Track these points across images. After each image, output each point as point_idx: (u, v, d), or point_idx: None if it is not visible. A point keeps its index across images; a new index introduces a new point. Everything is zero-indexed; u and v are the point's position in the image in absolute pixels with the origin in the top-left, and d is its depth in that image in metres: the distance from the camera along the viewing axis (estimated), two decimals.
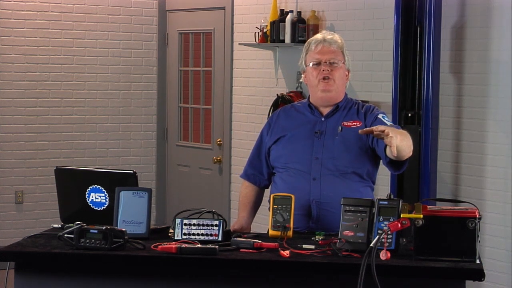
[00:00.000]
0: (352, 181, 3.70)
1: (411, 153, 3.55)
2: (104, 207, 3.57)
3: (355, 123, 3.76)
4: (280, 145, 3.80)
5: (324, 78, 3.73)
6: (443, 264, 3.01)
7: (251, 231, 3.77)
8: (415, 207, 3.05)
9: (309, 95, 3.88)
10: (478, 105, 5.71)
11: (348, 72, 3.82)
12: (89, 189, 3.59)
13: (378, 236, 2.94)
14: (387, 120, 3.75)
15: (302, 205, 3.64)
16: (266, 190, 3.98)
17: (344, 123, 3.76)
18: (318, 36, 3.83)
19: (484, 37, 5.65)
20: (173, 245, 3.17)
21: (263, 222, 3.78)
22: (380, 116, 3.75)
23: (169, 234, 3.48)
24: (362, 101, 6.49)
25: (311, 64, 3.76)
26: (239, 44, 7.27)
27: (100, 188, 3.58)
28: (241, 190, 4.00)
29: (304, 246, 3.23)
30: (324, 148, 3.72)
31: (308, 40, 3.87)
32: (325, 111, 3.80)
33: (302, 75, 3.87)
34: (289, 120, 3.84)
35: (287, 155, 3.77)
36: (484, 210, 5.54)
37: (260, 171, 3.91)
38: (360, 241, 3.16)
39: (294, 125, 3.82)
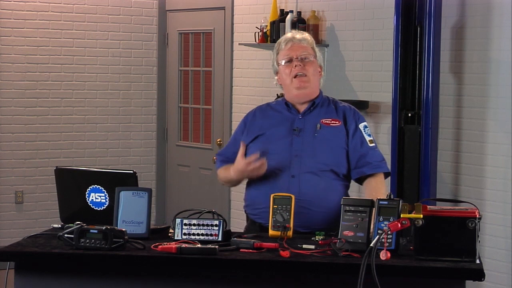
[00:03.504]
0: (330, 179, 3.72)
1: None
2: (104, 207, 3.57)
3: (334, 122, 3.78)
4: (258, 143, 3.78)
5: (297, 75, 3.74)
6: (443, 264, 3.01)
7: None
8: (415, 207, 3.05)
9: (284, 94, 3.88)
10: (478, 105, 5.71)
11: (321, 69, 3.83)
12: (89, 189, 3.59)
13: (378, 236, 2.94)
14: (367, 133, 3.80)
15: None
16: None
17: (323, 120, 3.78)
18: (288, 35, 3.85)
19: (484, 37, 5.65)
20: (173, 245, 3.17)
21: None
22: (361, 126, 3.79)
23: (169, 234, 3.48)
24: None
25: (283, 62, 3.77)
26: (239, 44, 7.27)
27: (100, 188, 3.58)
28: (219, 174, 3.93)
29: (304, 246, 3.23)
30: (304, 146, 3.72)
31: (278, 41, 3.88)
32: (302, 108, 3.80)
33: (276, 77, 3.86)
34: (266, 119, 3.83)
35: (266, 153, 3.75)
36: (484, 210, 5.54)
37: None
38: (360, 241, 3.16)
39: (272, 123, 3.81)
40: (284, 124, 3.78)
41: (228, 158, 3.87)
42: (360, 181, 3.82)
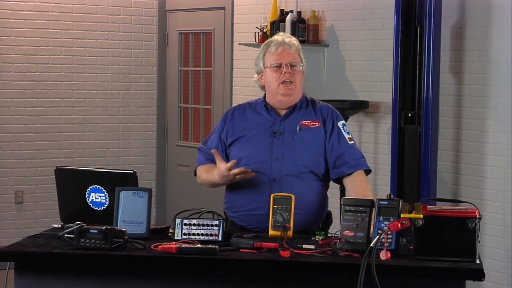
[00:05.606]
0: (311, 180, 3.74)
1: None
2: (104, 207, 3.57)
3: (314, 123, 3.79)
4: (239, 146, 3.79)
5: (284, 82, 3.74)
6: (443, 264, 3.01)
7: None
8: (415, 207, 3.05)
9: (264, 95, 3.87)
10: (478, 105, 5.71)
11: (302, 75, 3.83)
12: (89, 189, 3.60)
13: (378, 236, 2.94)
14: (345, 131, 3.81)
15: (263, 206, 3.63)
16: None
17: (303, 122, 3.79)
18: (278, 38, 3.84)
19: (484, 37, 5.65)
20: (173, 245, 3.18)
21: None
22: (339, 124, 3.80)
23: (169, 234, 3.49)
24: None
25: (271, 66, 3.76)
26: (239, 44, 7.27)
27: (100, 188, 3.58)
28: (199, 173, 3.92)
29: (304, 246, 3.23)
30: (284, 148, 3.74)
31: (266, 42, 3.88)
32: (282, 111, 3.82)
33: (256, 76, 3.85)
34: (245, 121, 3.83)
35: (247, 156, 3.75)
36: (484, 210, 5.54)
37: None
38: (360, 241, 3.16)
39: (252, 125, 3.81)
40: (264, 127, 3.79)
41: (211, 156, 3.81)
42: (339, 181, 3.82)
